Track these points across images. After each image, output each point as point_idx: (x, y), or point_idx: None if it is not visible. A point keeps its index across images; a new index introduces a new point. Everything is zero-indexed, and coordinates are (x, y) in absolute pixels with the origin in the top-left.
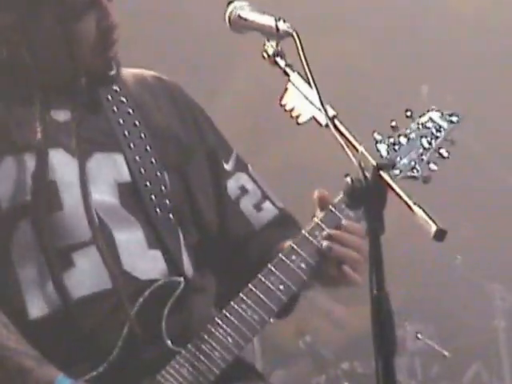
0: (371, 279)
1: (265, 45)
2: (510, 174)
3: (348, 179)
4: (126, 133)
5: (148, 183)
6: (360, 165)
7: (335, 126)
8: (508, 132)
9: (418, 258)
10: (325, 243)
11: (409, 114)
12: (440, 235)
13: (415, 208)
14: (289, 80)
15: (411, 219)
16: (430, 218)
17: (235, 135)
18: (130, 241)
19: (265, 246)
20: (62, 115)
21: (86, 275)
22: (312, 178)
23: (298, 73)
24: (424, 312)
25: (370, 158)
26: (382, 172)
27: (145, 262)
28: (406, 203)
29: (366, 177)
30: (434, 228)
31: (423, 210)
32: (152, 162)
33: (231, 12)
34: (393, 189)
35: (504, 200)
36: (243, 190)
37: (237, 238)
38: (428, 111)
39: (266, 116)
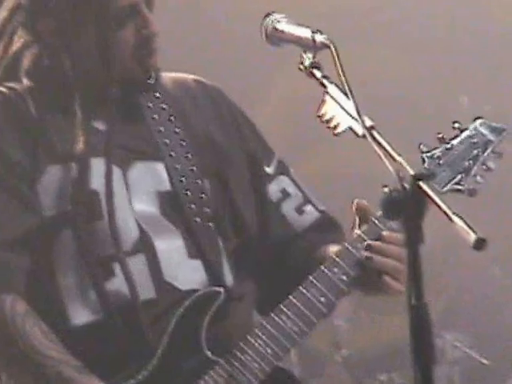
0: (409, 289)
1: (301, 57)
2: None
3: (386, 189)
4: (167, 141)
5: (188, 192)
6: (398, 175)
7: (373, 137)
8: None
9: (456, 267)
10: (365, 254)
11: (456, 125)
12: (479, 244)
13: (454, 217)
14: (326, 91)
15: (450, 229)
16: (469, 227)
17: (273, 145)
18: (171, 250)
19: (307, 250)
20: (102, 124)
21: (127, 285)
22: (352, 187)
23: (335, 84)
24: (463, 321)
25: (408, 167)
26: (420, 182)
27: (185, 271)
28: (445, 213)
29: (404, 187)
30: (473, 237)
31: (462, 220)
32: (192, 170)
33: (267, 25)
34: (431, 198)
35: None
36: (285, 194)
37: (278, 241)
38: (475, 123)
39: (304, 126)
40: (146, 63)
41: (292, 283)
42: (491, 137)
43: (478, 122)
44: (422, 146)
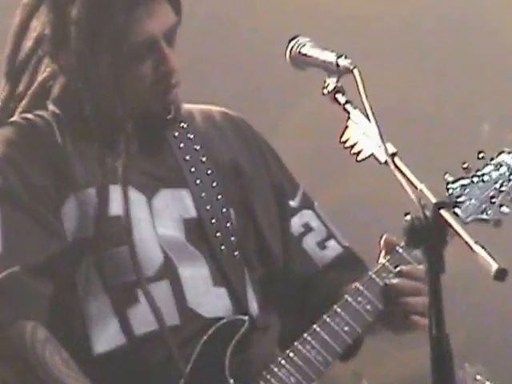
0: (431, 320)
1: (325, 81)
2: None
3: (408, 217)
4: (193, 169)
5: (214, 220)
6: (420, 203)
7: (395, 164)
8: None
9: (478, 298)
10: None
11: (481, 155)
12: (501, 275)
13: (476, 247)
14: (349, 117)
15: (472, 259)
16: (491, 257)
17: (297, 170)
18: (195, 277)
19: (330, 287)
20: (122, 152)
21: (151, 312)
22: (375, 214)
23: (359, 109)
24: (484, 353)
25: (430, 195)
26: (442, 210)
27: (209, 299)
28: (467, 242)
29: (425, 215)
30: (494, 267)
31: (484, 249)
32: (218, 199)
33: (292, 48)
34: (453, 227)
35: None
36: (307, 228)
37: (300, 276)
38: (501, 153)
39: (328, 151)
40: (164, 100)
41: (315, 320)
42: None
43: (505, 152)
44: (446, 176)
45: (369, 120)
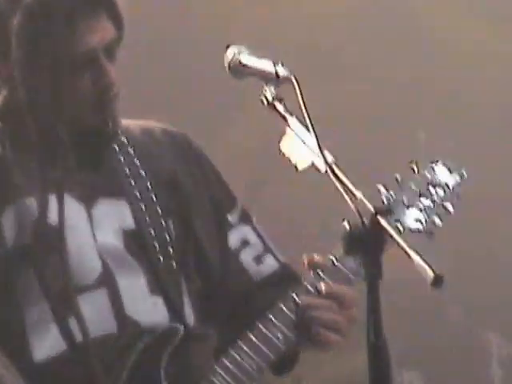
0: (368, 326)
1: (263, 90)
2: (502, 216)
3: (346, 225)
4: (132, 182)
5: (152, 231)
6: (358, 210)
7: (334, 173)
8: (503, 176)
9: (414, 304)
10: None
11: (413, 166)
12: (437, 282)
13: (413, 254)
14: (287, 126)
15: (409, 265)
16: (428, 265)
17: (235, 180)
18: (133, 286)
19: (266, 302)
20: (62, 163)
21: (90, 319)
22: (313, 224)
23: (297, 118)
24: (421, 359)
25: (367, 203)
26: (379, 217)
27: (146, 307)
28: (404, 249)
29: (363, 223)
30: (431, 275)
31: (421, 257)
32: (157, 211)
33: (232, 58)
34: (390, 235)
35: (499, 247)
36: (244, 243)
37: (236, 290)
38: (433, 164)
39: (266, 161)
40: (103, 112)
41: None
42: (449, 179)
43: (436, 163)
44: (380, 186)
45: (307, 129)
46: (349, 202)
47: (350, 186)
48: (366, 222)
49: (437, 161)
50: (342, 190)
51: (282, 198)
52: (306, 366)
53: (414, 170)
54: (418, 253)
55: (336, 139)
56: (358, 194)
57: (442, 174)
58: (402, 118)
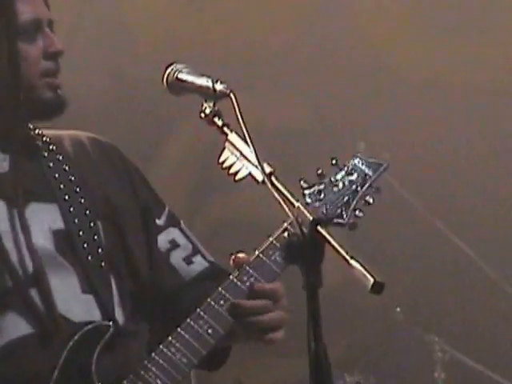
0: (309, 332)
1: (203, 105)
2: (440, 219)
3: (285, 234)
4: (62, 186)
5: (81, 232)
6: (297, 220)
7: (272, 183)
8: (436, 180)
9: (358, 309)
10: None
11: (334, 162)
12: (378, 288)
13: (352, 262)
14: (226, 139)
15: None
16: (368, 271)
17: (179, 189)
18: (65, 285)
19: (196, 299)
20: (2, 165)
21: (22, 317)
22: (256, 231)
23: (236, 132)
24: (364, 363)
25: (306, 213)
26: (319, 227)
27: (78, 305)
28: (343, 257)
29: (302, 231)
30: (371, 281)
31: (360, 264)
32: (86, 214)
33: (169, 74)
34: (330, 243)
35: (445, 252)
36: (174, 244)
37: (167, 289)
38: (353, 159)
39: (209, 171)
40: (54, 82)
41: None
42: (369, 172)
43: (356, 158)
44: (302, 182)
45: (245, 142)
46: (287, 211)
47: (289, 196)
48: (306, 231)
49: (357, 156)
50: (280, 200)
51: (222, 206)
52: (249, 371)
53: (335, 165)
54: (357, 260)
55: (276, 152)
56: (297, 204)
57: (361, 167)
58: (342, 129)
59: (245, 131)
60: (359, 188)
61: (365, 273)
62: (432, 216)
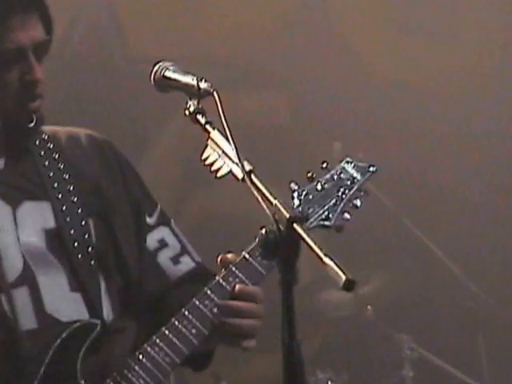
0: (283, 328)
1: (187, 103)
2: (406, 217)
3: (262, 231)
4: (55, 184)
5: (73, 231)
6: (274, 217)
7: (251, 180)
8: (407, 179)
9: (330, 306)
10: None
11: (324, 165)
12: (349, 286)
13: (326, 259)
14: (209, 136)
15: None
16: (340, 269)
17: (164, 184)
18: (53, 283)
19: (183, 299)
20: None
21: (11, 315)
22: (238, 226)
23: (218, 129)
24: (336, 360)
25: (283, 210)
26: (295, 224)
27: (66, 304)
28: (317, 254)
29: (279, 229)
30: (343, 278)
31: (333, 261)
32: (78, 212)
33: (156, 72)
34: (304, 240)
35: (413, 251)
36: (162, 243)
37: (153, 289)
38: (342, 162)
39: (193, 167)
40: (27, 108)
41: None
42: (357, 176)
43: (345, 161)
44: (292, 185)
45: (227, 140)
46: (265, 208)
47: (267, 194)
48: (283, 228)
49: (346, 160)
50: (259, 197)
51: (205, 202)
52: (226, 366)
53: (324, 169)
54: (331, 257)
55: (255, 149)
56: (275, 201)
57: (350, 171)
58: (321, 128)
59: (226, 129)
60: (347, 191)
61: (337, 270)
62: (400, 214)
